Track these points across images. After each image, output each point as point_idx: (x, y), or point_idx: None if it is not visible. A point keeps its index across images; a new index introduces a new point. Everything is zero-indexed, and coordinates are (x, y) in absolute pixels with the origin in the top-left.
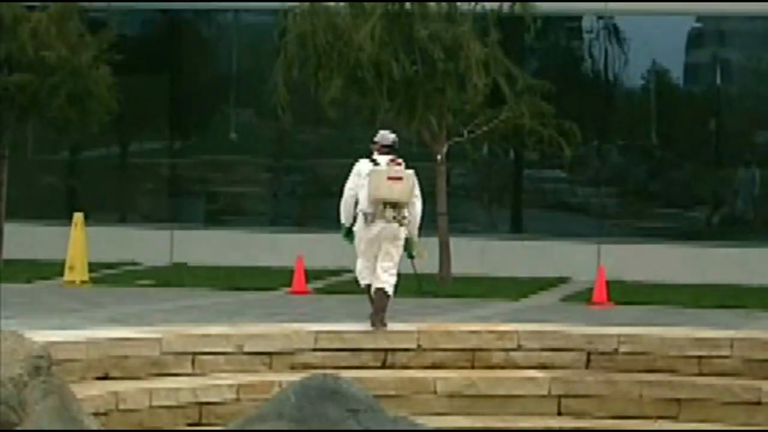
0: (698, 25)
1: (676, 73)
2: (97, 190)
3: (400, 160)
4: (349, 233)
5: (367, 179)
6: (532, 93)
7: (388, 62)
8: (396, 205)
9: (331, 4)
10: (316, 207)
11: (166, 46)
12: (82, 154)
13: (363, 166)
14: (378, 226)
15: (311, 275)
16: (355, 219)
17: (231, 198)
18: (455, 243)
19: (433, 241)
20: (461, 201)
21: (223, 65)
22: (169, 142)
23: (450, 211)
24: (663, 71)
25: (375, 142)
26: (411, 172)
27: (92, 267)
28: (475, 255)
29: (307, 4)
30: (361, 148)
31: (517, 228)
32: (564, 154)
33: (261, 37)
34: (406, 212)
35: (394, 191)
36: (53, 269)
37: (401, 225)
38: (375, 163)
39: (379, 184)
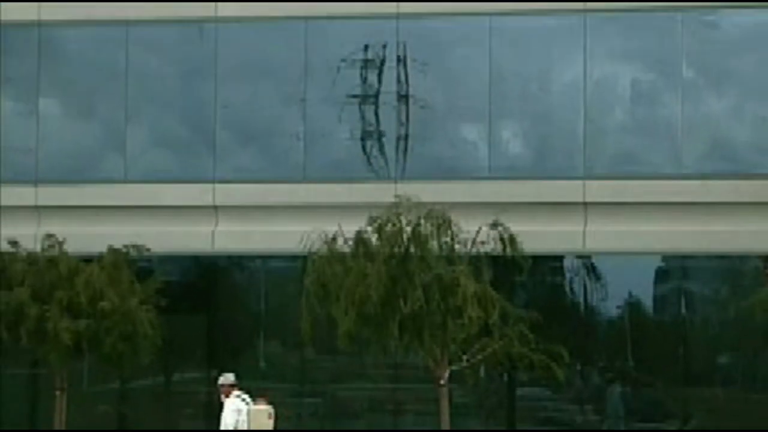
0: (663, 263)
1: (647, 304)
2: (143, 416)
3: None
4: None
5: (249, 416)
6: (521, 323)
7: (396, 299)
8: None
9: (346, 250)
10: (335, 425)
11: (204, 289)
12: (131, 384)
13: (240, 404)
14: None
15: None
16: None
17: None
18: None
19: None
20: (462, 419)
21: (253, 304)
22: (206, 371)
23: (452, 427)
24: (635, 302)
25: (222, 385)
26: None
27: None
28: None
29: (325, 250)
30: (374, 374)
31: None
32: (556, 376)
33: (286, 279)
34: None
35: (270, 424)
36: None
37: None
38: (245, 401)
39: (263, 420)
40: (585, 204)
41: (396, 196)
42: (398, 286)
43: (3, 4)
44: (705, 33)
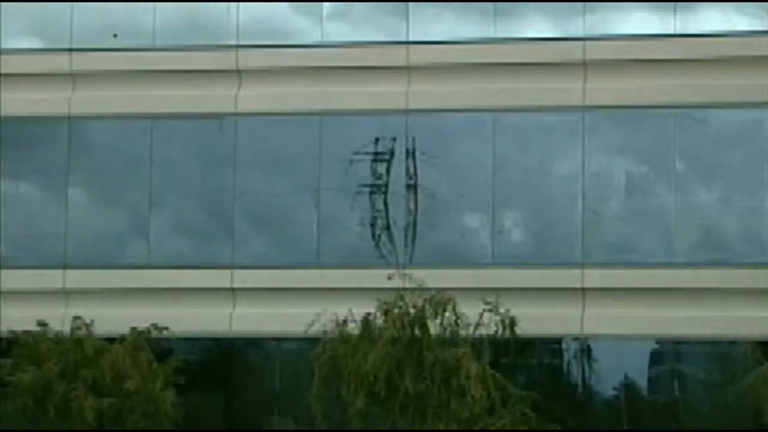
0: (658, 347)
1: (641, 386)
2: None
3: None
4: None
5: None
6: (522, 403)
7: (401, 379)
8: None
9: (355, 333)
10: None
11: (221, 369)
12: None
13: None
14: None
15: None
16: None
17: None
18: None
19: None
20: None
21: (268, 383)
22: None
23: None
24: (630, 384)
25: None
26: None
27: None
28: None
29: (336, 333)
30: None
31: None
32: None
33: (299, 359)
34: None
35: None
36: None
37: None
38: None
39: None
40: (583, 290)
41: (404, 273)
42: (403, 366)
43: (36, 98)
44: (696, 129)
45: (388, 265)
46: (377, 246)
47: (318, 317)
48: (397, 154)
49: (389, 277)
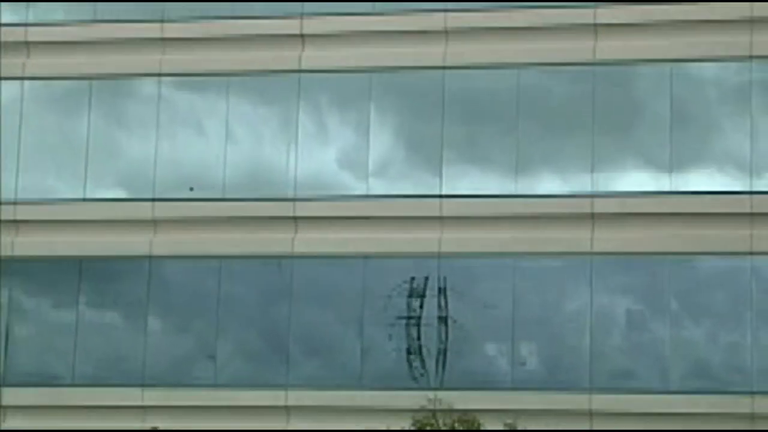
0: None
1: None
2: None
3: None
4: None
5: None
6: None
7: None
8: None
9: None
10: None
11: None
12: None
13: None
14: None
15: None
16: None
17: None
18: None
19: None
20: None
21: None
22: None
23: None
24: None
25: None
26: None
27: None
28: None
29: None
30: None
31: None
32: None
33: None
34: None
35: None
36: None
37: None
38: None
39: None
40: (590, 413)
41: (430, 400)
42: None
43: (122, 241)
44: (687, 274)
45: (421, 388)
46: (412, 371)
47: None
48: (430, 291)
49: (428, 401)
